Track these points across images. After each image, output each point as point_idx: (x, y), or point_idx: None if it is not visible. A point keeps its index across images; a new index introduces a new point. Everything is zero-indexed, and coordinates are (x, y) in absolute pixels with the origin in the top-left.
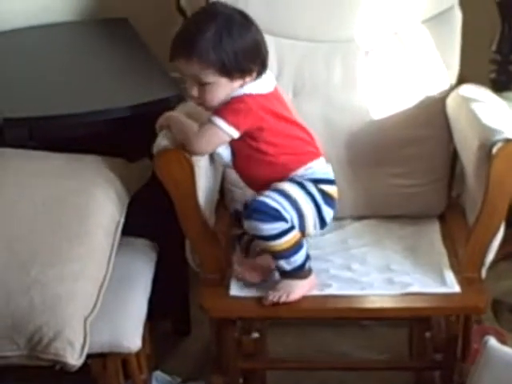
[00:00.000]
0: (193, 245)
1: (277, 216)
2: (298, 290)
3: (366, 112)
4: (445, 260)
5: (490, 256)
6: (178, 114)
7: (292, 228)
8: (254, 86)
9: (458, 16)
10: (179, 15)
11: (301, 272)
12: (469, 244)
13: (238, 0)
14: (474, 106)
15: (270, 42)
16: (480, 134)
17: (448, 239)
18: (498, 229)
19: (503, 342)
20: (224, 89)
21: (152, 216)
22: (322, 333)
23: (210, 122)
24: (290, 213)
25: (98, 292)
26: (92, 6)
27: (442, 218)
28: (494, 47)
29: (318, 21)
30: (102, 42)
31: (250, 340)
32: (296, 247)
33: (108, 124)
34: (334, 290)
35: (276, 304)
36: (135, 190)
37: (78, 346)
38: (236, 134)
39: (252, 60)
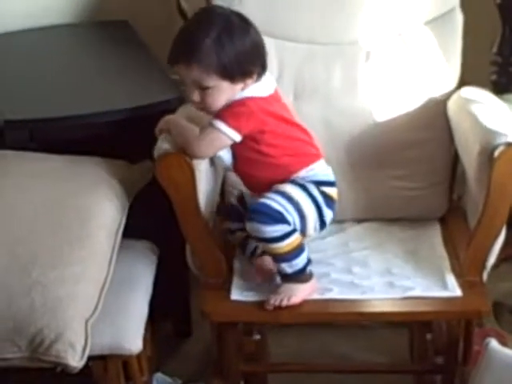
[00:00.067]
0: (193, 248)
1: (279, 218)
2: (300, 293)
3: (366, 114)
4: (446, 263)
5: (492, 259)
6: (177, 118)
7: (294, 231)
8: (255, 89)
9: (459, 18)
10: (179, 17)
11: (302, 275)
12: (470, 247)
13: (237, 2)
14: (476, 108)
15: (271, 44)
16: (481, 137)
17: (449, 242)
18: (499, 232)
19: (504, 343)
20: (225, 92)
21: (153, 218)
22: (323, 334)
23: (212, 125)
24: (292, 215)
25: (99, 294)
26: (92, 8)
27: (442, 221)
28: (494, 49)
29: (319, 23)
30: (102, 43)
31: (252, 341)
32: (298, 250)
33: (109, 126)
34: (335, 294)
35: (278, 308)
36: (136, 191)
37: (79, 348)
38: (238, 138)
39: (252, 62)
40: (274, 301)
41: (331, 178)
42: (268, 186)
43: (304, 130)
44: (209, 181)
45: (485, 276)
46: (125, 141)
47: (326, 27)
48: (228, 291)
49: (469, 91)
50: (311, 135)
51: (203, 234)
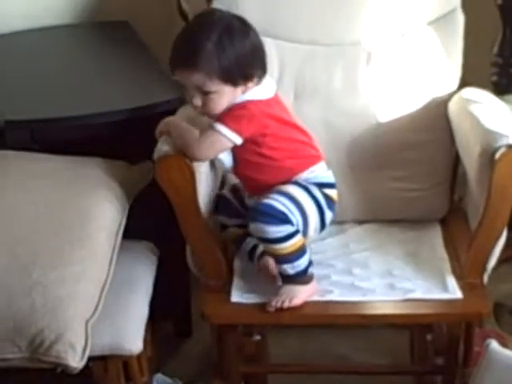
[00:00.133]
0: (193, 250)
1: (283, 219)
2: (301, 295)
3: (367, 115)
4: (447, 265)
5: (493, 261)
6: (177, 120)
7: (297, 231)
8: (256, 92)
9: (460, 19)
10: (180, 17)
11: (303, 277)
12: (471, 249)
13: (237, 2)
14: (476, 109)
15: (271, 44)
16: (482, 138)
17: (450, 244)
18: (500, 234)
19: (504, 344)
20: (227, 96)
21: (153, 218)
22: (323, 335)
23: (212, 128)
24: (296, 216)
25: (99, 294)
26: (92, 9)
27: (443, 222)
28: (495, 50)
29: (320, 23)
30: (102, 44)
31: (252, 342)
32: (300, 251)
33: (109, 126)
34: (336, 296)
35: (279, 310)
36: (137, 192)
37: (79, 349)
38: (239, 141)
39: (253, 65)
40: (276, 302)
41: (331, 179)
42: (269, 189)
43: (304, 132)
44: (209, 183)
45: (485, 278)
46: (125, 141)
47: (327, 27)
48: (228, 293)
49: (469, 92)
50: (311, 137)
51: (203, 236)
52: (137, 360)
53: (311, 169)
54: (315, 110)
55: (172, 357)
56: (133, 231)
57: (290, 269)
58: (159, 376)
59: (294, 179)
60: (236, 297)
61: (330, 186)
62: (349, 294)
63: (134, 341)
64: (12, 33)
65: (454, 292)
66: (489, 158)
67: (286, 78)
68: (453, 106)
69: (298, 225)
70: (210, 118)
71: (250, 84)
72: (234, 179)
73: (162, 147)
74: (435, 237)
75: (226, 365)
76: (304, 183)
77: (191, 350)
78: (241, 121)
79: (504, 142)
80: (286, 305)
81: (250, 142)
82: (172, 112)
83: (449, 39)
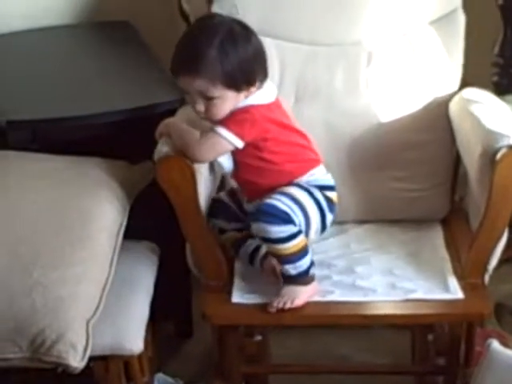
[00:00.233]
0: (194, 250)
1: (286, 219)
2: (302, 295)
3: (368, 115)
4: (448, 266)
5: (494, 262)
6: (177, 121)
7: (300, 232)
8: (257, 97)
9: (461, 19)
10: (181, 18)
11: (305, 277)
12: (472, 250)
13: (238, 2)
14: (477, 109)
15: (272, 45)
16: (483, 139)
17: (451, 244)
18: (501, 234)
19: (505, 344)
20: (230, 101)
21: (154, 218)
22: (324, 335)
23: (213, 131)
24: (298, 217)
25: (100, 294)
26: (92, 9)
27: (444, 223)
28: (496, 50)
29: (321, 23)
30: (103, 44)
31: (253, 343)
32: (303, 252)
33: (110, 127)
34: (337, 296)
35: (280, 310)
36: (137, 192)
37: (80, 349)
38: (240, 144)
39: (255, 69)
40: (278, 303)
41: (331, 182)
42: (269, 193)
43: (303, 135)
44: (208, 185)
45: (486, 278)
46: (126, 141)
47: (328, 27)
48: (229, 293)
49: (470, 92)
50: (310, 140)
51: (203, 236)
52: (138, 360)
53: (311, 172)
54: (316, 110)
55: (173, 357)
56: (133, 231)
57: (292, 269)
58: (160, 376)
59: (294, 182)
60: (237, 297)
61: (330, 188)
62: (350, 295)
63: (134, 341)
64: (12, 33)
65: (456, 292)
66: (490, 158)
67: (287, 79)
68: (454, 106)
69: (300, 225)
70: (212, 124)
71: (252, 89)
72: (232, 183)
73: (163, 148)
74: (436, 237)
75: (226, 365)
76: (305, 185)
77: (192, 350)
78: (243, 125)
79: (505, 142)
80: (288, 305)
81: (251, 146)
82: (172, 112)
83: (450, 39)
